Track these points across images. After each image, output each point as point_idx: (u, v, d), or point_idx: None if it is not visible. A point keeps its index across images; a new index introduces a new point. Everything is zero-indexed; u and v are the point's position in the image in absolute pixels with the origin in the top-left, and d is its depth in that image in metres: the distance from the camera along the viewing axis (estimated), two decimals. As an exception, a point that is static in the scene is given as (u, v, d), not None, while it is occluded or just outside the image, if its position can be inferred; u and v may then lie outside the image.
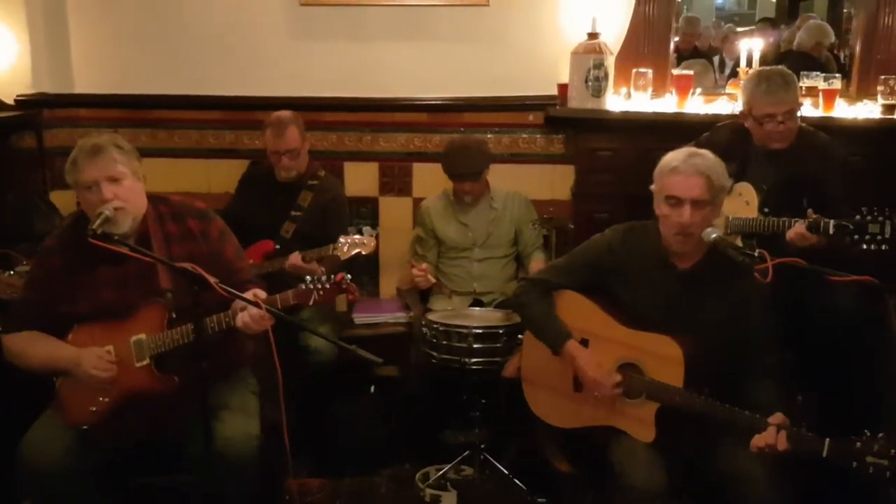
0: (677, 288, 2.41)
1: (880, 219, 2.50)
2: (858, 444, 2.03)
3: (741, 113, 3.05)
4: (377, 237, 3.19)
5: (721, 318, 2.38)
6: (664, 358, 2.34)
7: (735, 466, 2.24)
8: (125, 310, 2.38)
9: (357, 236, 3.06)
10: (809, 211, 2.69)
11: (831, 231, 2.59)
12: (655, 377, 2.36)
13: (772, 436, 2.13)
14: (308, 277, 2.29)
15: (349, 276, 2.29)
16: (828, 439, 2.07)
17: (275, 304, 2.26)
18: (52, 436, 2.32)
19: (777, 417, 2.17)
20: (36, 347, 2.40)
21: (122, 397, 2.36)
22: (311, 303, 2.28)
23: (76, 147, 2.39)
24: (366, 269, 3.97)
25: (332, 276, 2.29)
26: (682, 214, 2.31)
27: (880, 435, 2.02)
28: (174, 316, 2.37)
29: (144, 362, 2.36)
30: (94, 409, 2.36)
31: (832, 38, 4.64)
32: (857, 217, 2.52)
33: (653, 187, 2.44)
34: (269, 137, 3.42)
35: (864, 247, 2.51)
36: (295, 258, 3.16)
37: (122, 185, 2.34)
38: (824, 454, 2.07)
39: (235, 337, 2.39)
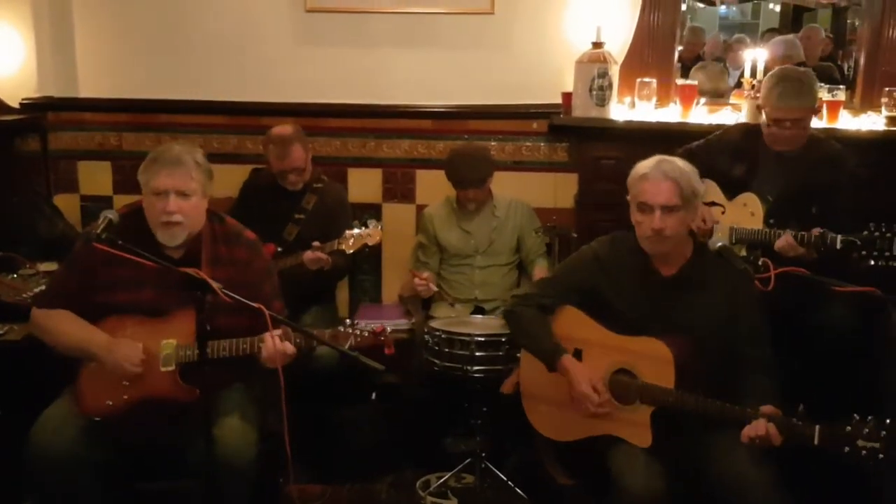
0: (662, 294, 2.45)
1: (888, 235, 2.50)
2: (848, 427, 2.04)
3: (758, 106, 3.08)
4: (381, 230, 3.19)
5: (708, 319, 2.40)
6: (655, 360, 2.36)
7: (733, 471, 2.24)
8: (161, 311, 2.39)
9: (360, 230, 3.07)
10: (816, 229, 2.68)
11: (838, 246, 2.59)
12: (649, 380, 2.38)
13: (762, 426, 2.14)
14: (348, 321, 2.37)
15: (389, 328, 2.40)
16: (818, 426, 2.09)
17: (310, 338, 2.32)
18: (63, 422, 2.33)
19: (767, 408, 2.18)
20: (70, 326, 2.41)
21: (141, 398, 2.37)
22: (346, 347, 2.32)
23: (158, 149, 2.44)
24: (368, 275, 3.98)
25: (373, 325, 2.36)
26: (654, 220, 2.35)
27: (870, 418, 2.03)
28: (208, 328, 2.36)
29: (170, 368, 2.36)
30: (111, 402, 2.36)
31: (801, 54, 4.61)
32: (865, 233, 2.52)
33: (628, 196, 2.47)
34: (272, 156, 3.41)
35: (872, 262, 2.51)
36: (310, 253, 3.15)
37: (190, 201, 2.38)
38: (815, 441, 2.08)
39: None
